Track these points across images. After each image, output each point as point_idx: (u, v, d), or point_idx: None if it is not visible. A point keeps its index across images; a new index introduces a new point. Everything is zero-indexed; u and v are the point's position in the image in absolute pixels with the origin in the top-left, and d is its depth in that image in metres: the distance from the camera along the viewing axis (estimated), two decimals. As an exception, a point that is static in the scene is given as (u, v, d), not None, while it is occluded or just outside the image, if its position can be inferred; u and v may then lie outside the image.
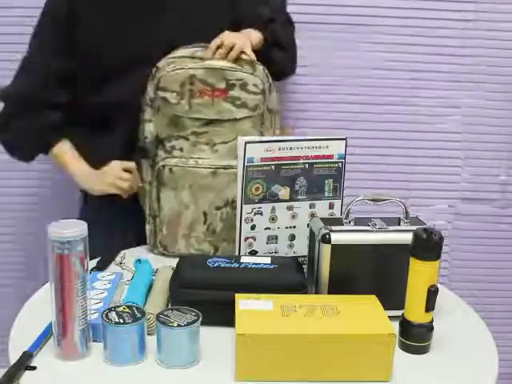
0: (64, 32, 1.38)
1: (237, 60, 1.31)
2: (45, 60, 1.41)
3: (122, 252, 1.37)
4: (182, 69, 1.28)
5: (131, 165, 1.39)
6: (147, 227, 1.37)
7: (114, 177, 1.40)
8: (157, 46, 1.35)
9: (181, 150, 1.32)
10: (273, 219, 1.26)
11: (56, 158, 1.47)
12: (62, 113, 1.43)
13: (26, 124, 1.43)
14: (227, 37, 1.32)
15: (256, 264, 1.12)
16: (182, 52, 1.32)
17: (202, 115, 1.30)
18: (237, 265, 1.12)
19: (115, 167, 1.41)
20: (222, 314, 1.06)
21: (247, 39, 1.34)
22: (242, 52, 1.31)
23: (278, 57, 1.45)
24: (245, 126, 1.32)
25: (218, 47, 1.31)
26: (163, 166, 1.31)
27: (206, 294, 1.06)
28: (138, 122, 1.35)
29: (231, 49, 1.30)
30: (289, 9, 1.59)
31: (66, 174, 1.49)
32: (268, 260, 1.14)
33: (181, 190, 1.32)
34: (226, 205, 1.32)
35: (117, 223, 1.44)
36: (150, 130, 1.32)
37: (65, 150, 1.46)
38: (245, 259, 1.15)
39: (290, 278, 1.10)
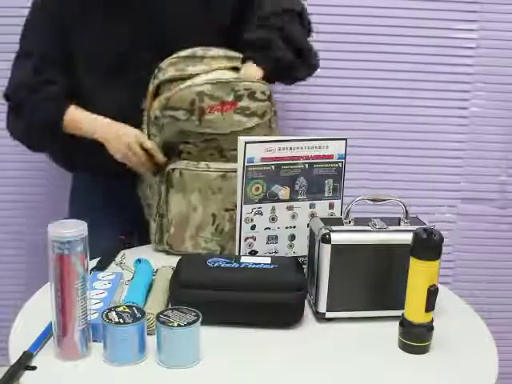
0: (56, 22, 1.38)
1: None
2: (38, 49, 1.39)
3: (122, 252, 1.37)
4: (190, 87, 1.27)
5: (149, 145, 1.33)
6: (152, 224, 1.37)
7: (130, 139, 1.33)
8: (146, 46, 1.36)
9: (189, 153, 1.32)
10: (273, 219, 1.26)
11: (69, 123, 1.38)
12: (60, 87, 1.39)
13: (30, 107, 1.38)
14: None
15: (256, 264, 1.12)
16: (183, 53, 1.33)
17: (213, 130, 1.30)
18: (237, 265, 1.12)
19: (134, 134, 1.34)
20: (222, 314, 1.07)
21: None
22: None
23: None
24: (254, 133, 1.32)
25: None
26: (173, 169, 1.30)
27: (206, 294, 1.06)
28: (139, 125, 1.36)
29: None
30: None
31: (84, 132, 1.39)
32: (268, 260, 1.14)
33: (190, 193, 1.31)
34: (235, 207, 1.31)
35: (109, 208, 1.46)
36: (155, 142, 1.33)
37: (75, 112, 1.39)
38: (245, 259, 1.15)
39: (289, 277, 1.10)
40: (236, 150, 1.29)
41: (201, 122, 1.28)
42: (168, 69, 1.32)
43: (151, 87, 1.33)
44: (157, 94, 1.33)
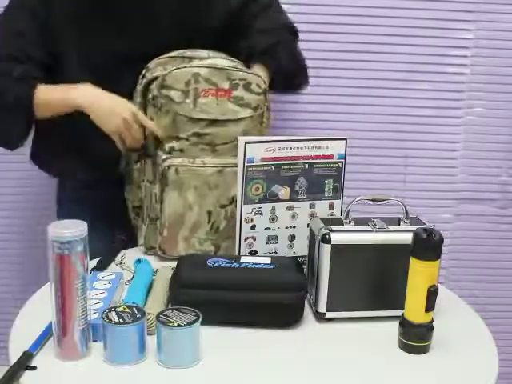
0: (38, 21, 1.33)
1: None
2: (22, 48, 1.33)
3: (122, 252, 1.37)
4: (186, 67, 1.28)
5: (148, 122, 1.29)
6: (143, 228, 1.36)
7: (127, 115, 1.28)
8: (147, 47, 1.35)
9: (181, 151, 1.30)
10: (273, 219, 1.26)
11: (42, 96, 1.30)
12: (33, 68, 1.32)
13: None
14: None
15: (256, 264, 1.12)
16: (172, 53, 1.33)
17: (206, 115, 1.29)
18: (237, 265, 1.12)
19: (131, 108, 1.29)
20: (221, 314, 1.07)
21: None
22: None
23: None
24: (246, 126, 1.32)
25: None
26: (168, 167, 1.28)
27: (206, 294, 1.06)
28: None
29: None
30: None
31: (61, 100, 1.30)
32: (268, 260, 1.14)
33: (186, 190, 1.30)
34: (231, 203, 1.31)
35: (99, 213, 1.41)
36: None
37: (46, 86, 1.30)
38: (245, 259, 1.15)
39: (289, 277, 1.10)
40: (227, 143, 1.30)
41: (195, 104, 1.28)
42: (156, 68, 1.31)
43: (139, 87, 1.32)
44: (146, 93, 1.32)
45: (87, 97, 1.29)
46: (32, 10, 1.34)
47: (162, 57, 1.32)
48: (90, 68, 1.37)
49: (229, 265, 1.12)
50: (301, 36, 1.55)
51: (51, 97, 1.31)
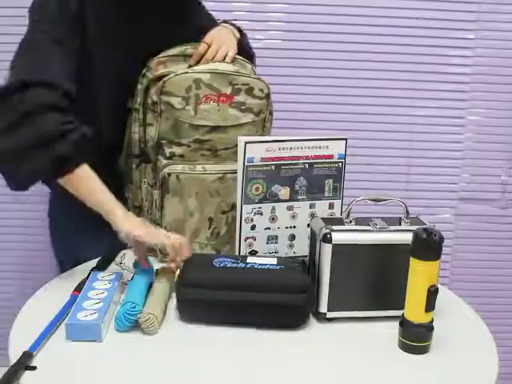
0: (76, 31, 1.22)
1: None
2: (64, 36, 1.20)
3: (122, 252, 1.37)
4: (187, 73, 1.26)
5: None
6: None
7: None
8: (141, 49, 1.32)
9: (182, 156, 1.29)
10: (273, 219, 1.26)
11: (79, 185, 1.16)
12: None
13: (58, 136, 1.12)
14: (214, 42, 1.32)
15: (262, 264, 1.11)
16: (172, 51, 1.31)
17: (207, 122, 1.28)
18: (243, 265, 1.11)
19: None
20: (226, 314, 1.07)
21: (233, 42, 1.35)
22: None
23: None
24: (248, 131, 1.31)
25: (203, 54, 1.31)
26: (169, 174, 1.27)
27: (212, 293, 1.06)
28: (125, 125, 1.33)
29: (217, 52, 1.31)
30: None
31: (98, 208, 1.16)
32: (274, 261, 1.13)
33: (187, 197, 1.29)
34: (232, 209, 1.30)
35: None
36: (151, 134, 1.30)
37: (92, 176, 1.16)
38: (251, 259, 1.14)
39: (295, 279, 1.09)
40: (229, 148, 1.29)
41: (196, 111, 1.26)
42: (158, 67, 1.29)
43: (140, 87, 1.30)
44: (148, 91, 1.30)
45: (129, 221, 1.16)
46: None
47: (161, 55, 1.31)
48: (114, 67, 1.29)
49: (235, 265, 1.11)
50: (303, 36, 1.55)
51: (93, 193, 1.17)
